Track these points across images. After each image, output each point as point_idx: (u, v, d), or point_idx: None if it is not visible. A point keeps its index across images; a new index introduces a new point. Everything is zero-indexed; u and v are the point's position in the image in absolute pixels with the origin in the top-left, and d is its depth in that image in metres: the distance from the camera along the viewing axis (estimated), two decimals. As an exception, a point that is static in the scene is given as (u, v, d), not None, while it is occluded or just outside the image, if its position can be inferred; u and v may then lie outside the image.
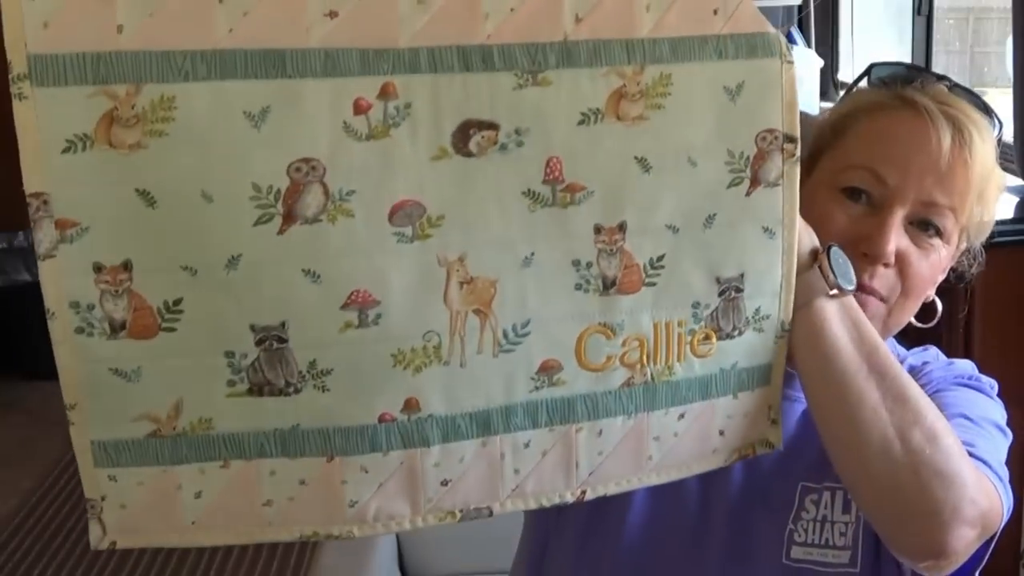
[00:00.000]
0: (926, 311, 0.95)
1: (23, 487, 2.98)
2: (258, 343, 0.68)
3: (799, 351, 0.81)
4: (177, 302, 0.67)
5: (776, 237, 0.77)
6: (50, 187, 0.64)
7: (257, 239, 0.66)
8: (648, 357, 0.77)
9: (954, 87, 0.94)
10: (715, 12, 0.73)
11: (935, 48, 3.02)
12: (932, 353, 1.03)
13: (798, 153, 0.76)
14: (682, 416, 0.80)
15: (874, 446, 0.76)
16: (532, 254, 0.72)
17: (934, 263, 0.91)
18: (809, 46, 3.52)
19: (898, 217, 0.88)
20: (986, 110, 0.93)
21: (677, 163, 0.73)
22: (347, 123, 0.66)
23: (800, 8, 3.77)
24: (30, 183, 0.64)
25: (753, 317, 0.79)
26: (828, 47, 3.44)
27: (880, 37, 3.46)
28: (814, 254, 0.81)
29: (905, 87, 0.93)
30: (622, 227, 0.74)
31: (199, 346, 0.68)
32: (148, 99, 0.63)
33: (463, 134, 0.69)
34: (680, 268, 0.76)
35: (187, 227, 0.66)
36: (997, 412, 0.94)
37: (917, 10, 2.93)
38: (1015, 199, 2.21)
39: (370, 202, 0.68)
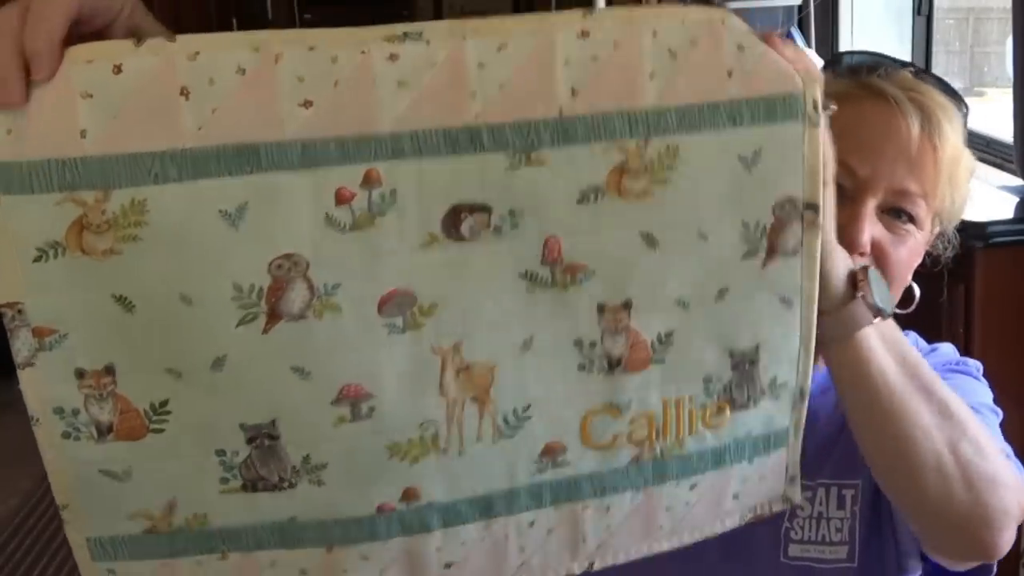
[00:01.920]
0: (904, 297, 0.96)
1: (23, 487, 2.98)
2: (249, 441, 0.67)
3: (844, 384, 0.78)
4: (164, 403, 0.65)
5: (794, 306, 0.72)
6: (24, 296, 0.62)
7: (241, 339, 0.64)
8: (657, 433, 0.73)
9: (919, 73, 0.95)
10: (729, 74, 0.66)
11: (935, 48, 3.03)
12: (912, 338, 1.03)
13: (820, 221, 0.70)
14: (694, 486, 0.76)
15: (928, 466, 0.76)
16: (531, 337, 0.69)
17: (911, 248, 0.91)
18: (809, 46, 3.52)
19: (870, 207, 0.88)
20: (952, 94, 0.93)
21: (686, 238, 0.68)
22: (329, 215, 0.63)
23: (800, 8, 3.77)
24: (3, 293, 0.62)
25: (769, 386, 0.75)
26: (828, 47, 3.44)
27: (880, 37, 3.46)
28: (852, 279, 0.76)
29: (870, 75, 0.93)
30: (627, 305, 0.69)
31: (189, 446, 0.67)
32: (119, 204, 0.61)
33: (454, 218, 0.65)
34: (690, 344, 0.71)
35: (168, 331, 0.64)
36: (988, 395, 0.95)
37: (917, 10, 2.94)
38: (1015, 199, 2.22)
39: (357, 295, 0.65)
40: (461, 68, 0.63)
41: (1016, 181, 2.25)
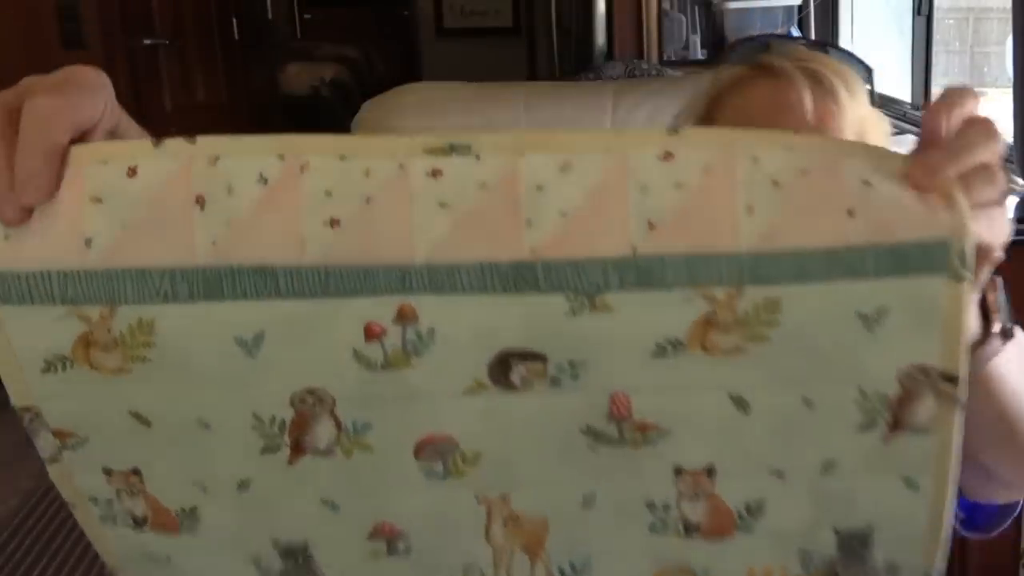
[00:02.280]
0: None
1: (23, 487, 2.97)
2: (283, 556, 0.63)
3: (975, 409, 0.68)
4: (193, 509, 0.62)
5: (921, 489, 0.58)
6: (37, 402, 0.58)
7: (266, 467, 0.59)
8: None
9: (813, 44, 0.95)
10: (850, 213, 0.52)
11: (935, 48, 3.03)
12: None
13: (962, 397, 0.55)
14: None
15: None
16: (594, 495, 0.60)
17: None
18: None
19: None
20: (851, 58, 0.94)
21: (787, 404, 0.57)
22: (357, 351, 0.55)
23: (800, 8, 3.78)
24: (16, 398, 0.57)
25: (886, 569, 0.62)
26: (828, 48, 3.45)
27: (880, 37, 3.47)
28: (981, 306, 0.66)
29: (763, 56, 0.93)
30: (710, 472, 0.59)
31: (223, 549, 0.63)
32: (125, 323, 0.55)
33: (502, 365, 0.56)
34: (786, 517, 0.60)
35: (188, 450, 0.59)
36: None
37: (917, 10, 2.93)
38: (1015, 199, 2.22)
39: (391, 437, 0.58)
40: (515, 190, 0.53)
41: (1016, 181, 2.25)
